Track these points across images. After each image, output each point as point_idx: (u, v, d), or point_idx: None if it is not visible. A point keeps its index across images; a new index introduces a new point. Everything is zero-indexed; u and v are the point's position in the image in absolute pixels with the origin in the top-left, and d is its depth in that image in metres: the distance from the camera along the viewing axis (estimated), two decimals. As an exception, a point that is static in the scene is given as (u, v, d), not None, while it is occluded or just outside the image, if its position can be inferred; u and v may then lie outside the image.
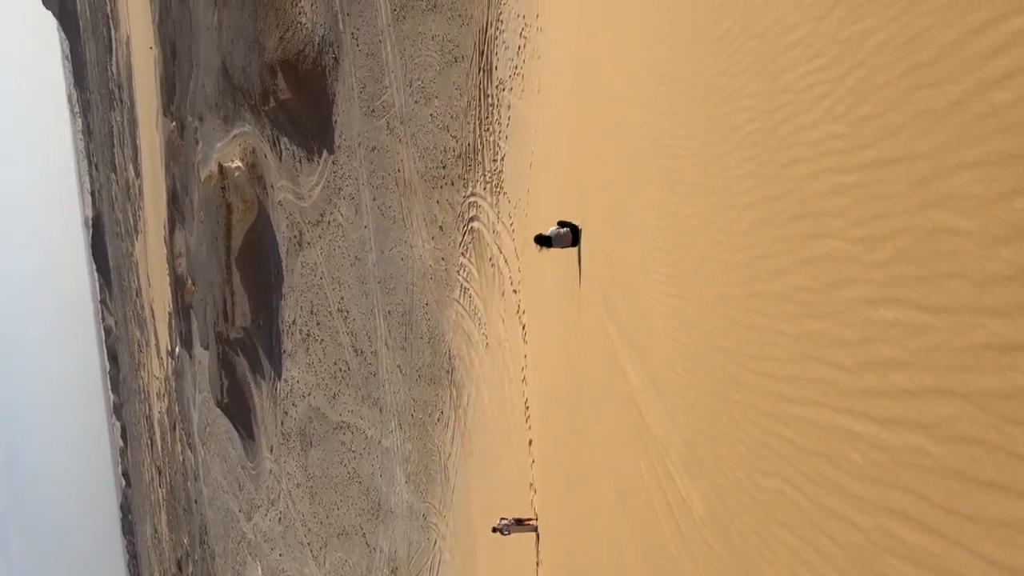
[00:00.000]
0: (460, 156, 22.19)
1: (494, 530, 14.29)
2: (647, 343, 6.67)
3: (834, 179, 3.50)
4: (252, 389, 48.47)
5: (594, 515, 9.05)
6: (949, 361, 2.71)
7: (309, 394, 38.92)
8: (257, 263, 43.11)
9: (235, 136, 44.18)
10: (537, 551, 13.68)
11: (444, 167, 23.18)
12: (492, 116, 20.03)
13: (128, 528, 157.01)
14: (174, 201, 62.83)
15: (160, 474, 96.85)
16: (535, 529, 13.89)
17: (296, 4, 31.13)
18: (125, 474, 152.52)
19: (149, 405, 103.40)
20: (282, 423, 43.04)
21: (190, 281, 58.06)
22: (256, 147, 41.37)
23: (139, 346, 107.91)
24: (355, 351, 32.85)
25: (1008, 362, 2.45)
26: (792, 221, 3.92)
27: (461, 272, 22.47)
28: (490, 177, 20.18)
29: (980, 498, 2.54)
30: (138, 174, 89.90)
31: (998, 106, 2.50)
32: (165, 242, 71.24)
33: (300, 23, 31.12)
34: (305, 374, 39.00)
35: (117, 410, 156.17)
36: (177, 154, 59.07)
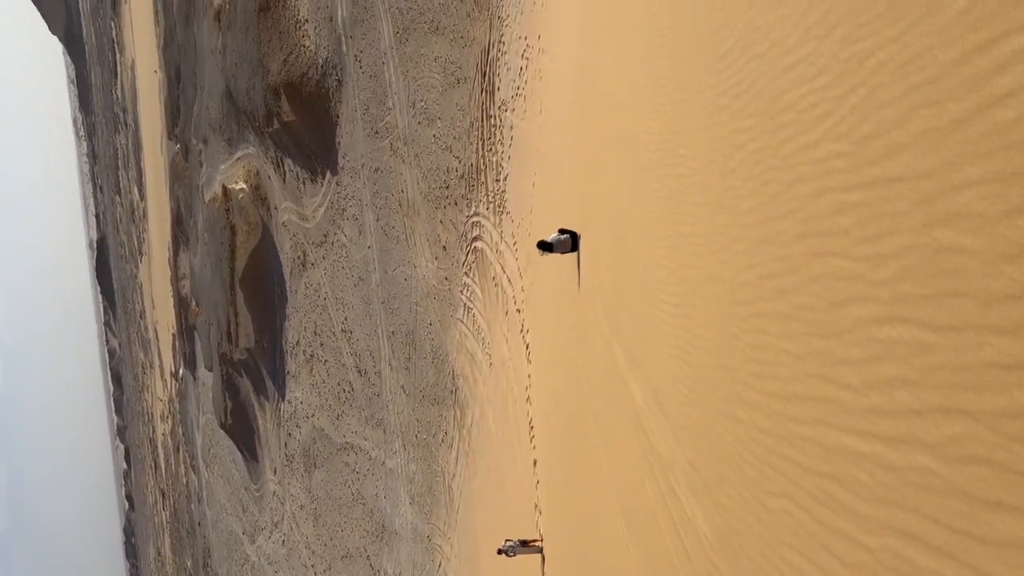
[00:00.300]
0: (463, 176, 22.25)
1: (499, 552, 14.19)
2: (652, 362, 6.66)
3: (838, 198, 3.50)
4: (256, 410, 48.40)
5: (599, 536, 8.99)
6: (955, 380, 2.70)
7: (313, 415, 38.83)
8: (261, 284, 43.18)
9: (239, 158, 44.41)
10: (543, 573, 13.58)
11: (447, 187, 23.24)
12: (495, 136, 20.10)
13: (131, 551, 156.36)
14: (178, 223, 63.09)
15: (164, 496, 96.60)
16: (541, 551, 13.78)
17: (300, 27, 31.36)
18: (128, 497, 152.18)
19: (153, 427, 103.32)
20: (286, 444, 42.92)
21: (194, 303, 58.11)
22: (260, 169, 41.56)
23: (143, 368, 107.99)
24: (359, 372, 32.79)
25: (1014, 380, 2.43)
26: (796, 240, 3.91)
27: (465, 292, 22.46)
28: (493, 197, 20.22)
29: (988, 518, 2.52)
30: (142, 196, 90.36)
31: (1001, 124, 2.50)
32: (169, 264, 71.45)
33: (304, 46, 31.35)
34: (309, 395, 38.94)
35: (121, 432, 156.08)
36: (181, 176, 59.35)
